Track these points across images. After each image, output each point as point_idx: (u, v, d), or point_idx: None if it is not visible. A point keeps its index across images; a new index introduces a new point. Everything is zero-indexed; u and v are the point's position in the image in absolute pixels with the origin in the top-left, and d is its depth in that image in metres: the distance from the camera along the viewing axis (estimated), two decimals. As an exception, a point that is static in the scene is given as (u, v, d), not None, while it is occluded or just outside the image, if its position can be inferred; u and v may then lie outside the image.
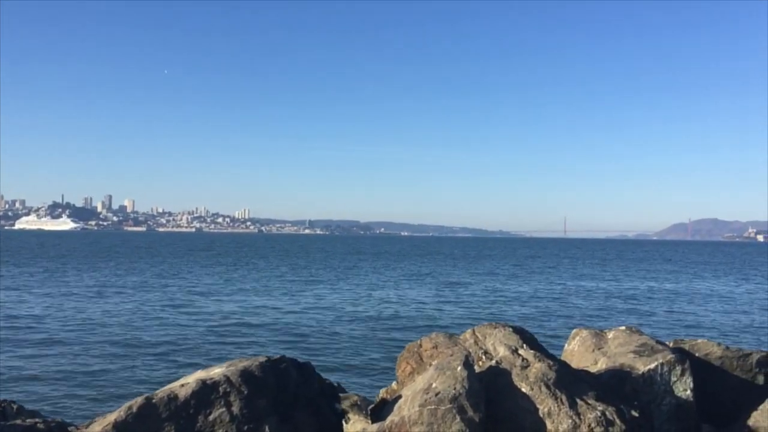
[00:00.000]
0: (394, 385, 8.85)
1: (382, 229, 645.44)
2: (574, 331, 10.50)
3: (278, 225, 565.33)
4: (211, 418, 6.90)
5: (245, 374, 7.16)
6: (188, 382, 7.22)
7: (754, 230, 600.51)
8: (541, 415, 6.95)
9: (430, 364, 7.95)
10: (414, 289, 46.02)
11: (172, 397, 6.94)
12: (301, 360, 8.13)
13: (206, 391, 7.01)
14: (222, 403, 6.95)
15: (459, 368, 7.11)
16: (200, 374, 7.48)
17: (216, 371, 7.36)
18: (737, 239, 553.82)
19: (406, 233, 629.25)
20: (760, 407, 8.17)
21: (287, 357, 7.75)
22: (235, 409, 6.95)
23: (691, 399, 8.33)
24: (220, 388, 7.03)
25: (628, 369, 8.44)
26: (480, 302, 38.06)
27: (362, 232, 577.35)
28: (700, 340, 9.85)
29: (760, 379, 9.37)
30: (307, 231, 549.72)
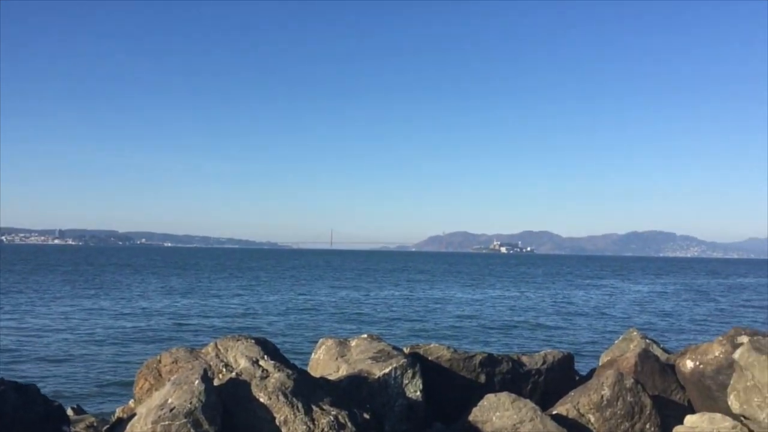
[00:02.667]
0: (131, 403, 8.47)
1: (143, 240, 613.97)
2: (321, 340, 10.84)
3: (22, 235, 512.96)
4: None
5: (-49, 401, 6.41)
6: None
7: (498, 242, 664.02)
8: (278, 424, 7.07)
9: (169, 380, 7.73)
10: (164, 302, 44.08)
11: None
12: (24, 382, 7.46)
13: None
14: None
15: (196, 382, 7.00)
16: None
17: None
18: (484, 251, 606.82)
19: (169, 244, 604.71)
20: (479, 403, 9.01)
21: (5, 379, 7.07)
22: (-63, 441, 6.19)
23: (421, 399, 8.99)
24: None
25: (366, 374, 8.90)
26: (234, 314, 37.60)
27: (120, 243, 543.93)
28: (432, 345, 10.64)
29: (482, 378, 10.36)
30: (57, 241, 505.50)
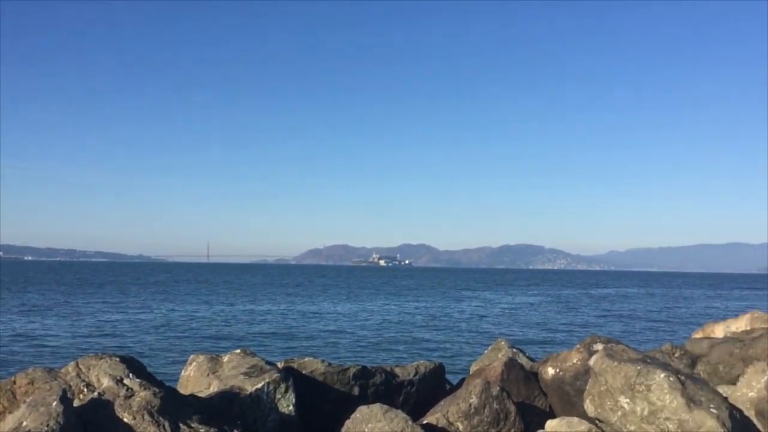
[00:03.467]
0: (-20, 428, 7.89)
1: (0, 254, 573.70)
2: (192, 356, 10.56)
3: None
4: None
5: None
6: None
7: (377, 255, 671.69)
8: (143, 445, 6.82)
9: (25, 402, 7.28)
10: (20, 321, 40.64)
11: None
12: None
13: None
14: None
15: (54, 403, 6.64)
16: None
17: None
18: (363, 263, 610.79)
19: (30, 257, 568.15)
20: (352, 416, 9.08)
21: None
22: None
23: (294, 414, 8.95)
24: None
25: (238, 390, 8.77)
26: (99, 333, 35.70)
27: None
28: (306, 359, 10.64)
29: (356, 391, 10.46)
30: None
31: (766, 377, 8.48)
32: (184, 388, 9.73)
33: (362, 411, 9.07)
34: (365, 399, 10.14)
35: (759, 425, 8.33)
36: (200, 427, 7.06)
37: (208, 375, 9.74)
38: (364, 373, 10.52)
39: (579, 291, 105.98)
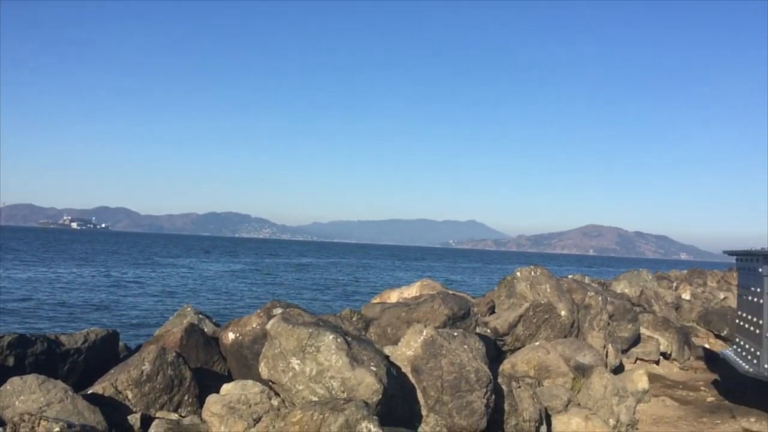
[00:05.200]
0: None
1: None
2: None
3: None
4: None
5: None
6: None
7: (69, 217, 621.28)
8: None
9: None
10: None
11: None
12: None
13: None
14: None
15: None
16: None
17: None
18: (52, 225, 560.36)
19: None
20: (1, 388, 8.10)
21: None
22: None
23: None
24: None
25: None
26: None
27: None
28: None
29: (11, 361, 9.39)
30: None
31: (422, 337, 9.32)
32: None
33: (14, 382, 8.15)
34: (22, 370, 9.15)
35: (413, 380, 9.15)
36: None
37: None
38: (21, 342, 9.45)
39: (280, 260, 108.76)
